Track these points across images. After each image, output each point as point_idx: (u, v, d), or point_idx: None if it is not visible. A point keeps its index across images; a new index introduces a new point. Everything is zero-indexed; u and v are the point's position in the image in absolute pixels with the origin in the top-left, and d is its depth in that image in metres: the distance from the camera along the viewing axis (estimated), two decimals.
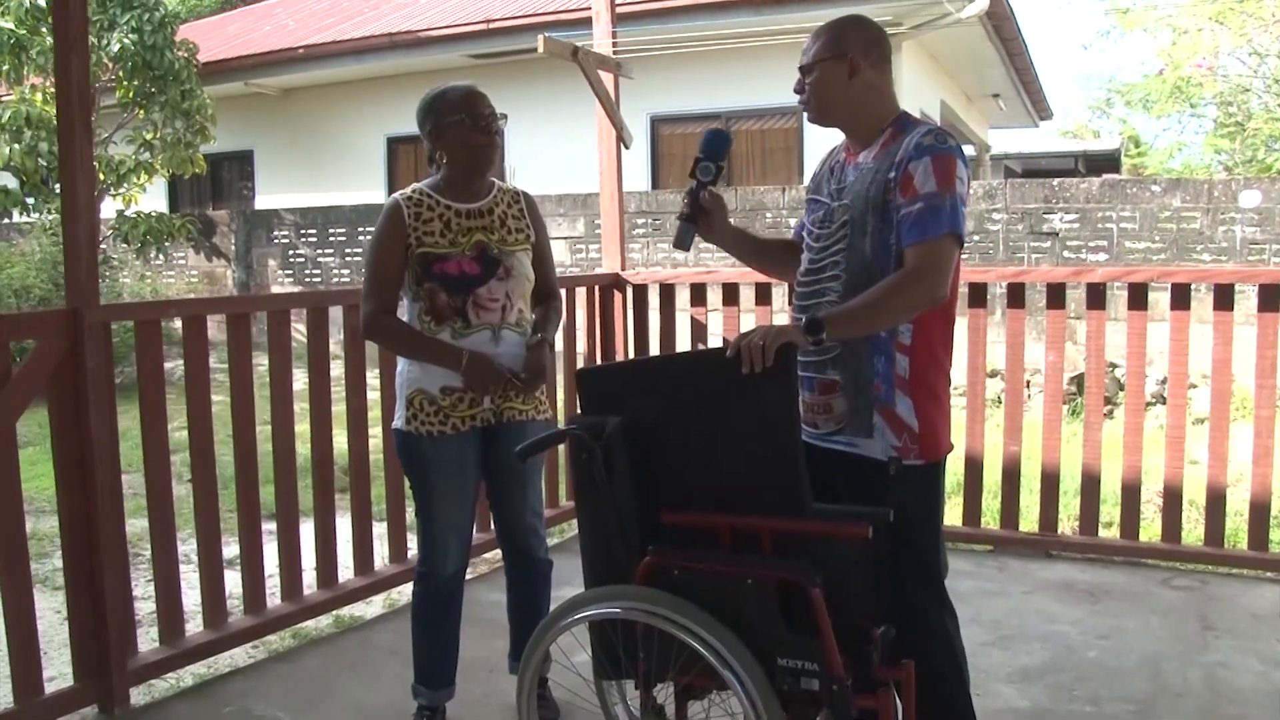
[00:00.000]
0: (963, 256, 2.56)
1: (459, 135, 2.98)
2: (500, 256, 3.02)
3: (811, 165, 11.86)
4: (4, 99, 11.77)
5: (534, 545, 3.21)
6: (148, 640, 3.61)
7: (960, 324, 2.84)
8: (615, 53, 5.51)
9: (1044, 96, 18.04)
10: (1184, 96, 17.53)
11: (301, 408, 3.90)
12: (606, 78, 5.40)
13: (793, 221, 6.02)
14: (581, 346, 5.34)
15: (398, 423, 3.06)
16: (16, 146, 10.69)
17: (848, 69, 2.51)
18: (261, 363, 3.80)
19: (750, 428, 2.27)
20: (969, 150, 16.42)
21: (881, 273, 2.41)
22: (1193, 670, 3.51)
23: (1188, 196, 8.74)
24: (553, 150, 11.71)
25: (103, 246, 12.14)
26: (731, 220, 2.76)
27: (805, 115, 2.63)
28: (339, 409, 4.04)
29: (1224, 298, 4.39)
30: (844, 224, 2.51)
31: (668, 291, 5.36)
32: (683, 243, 2.66)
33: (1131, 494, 4.56)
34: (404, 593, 4.26)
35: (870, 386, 2.48)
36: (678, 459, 2.35)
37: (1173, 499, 4.50)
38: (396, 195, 3.03)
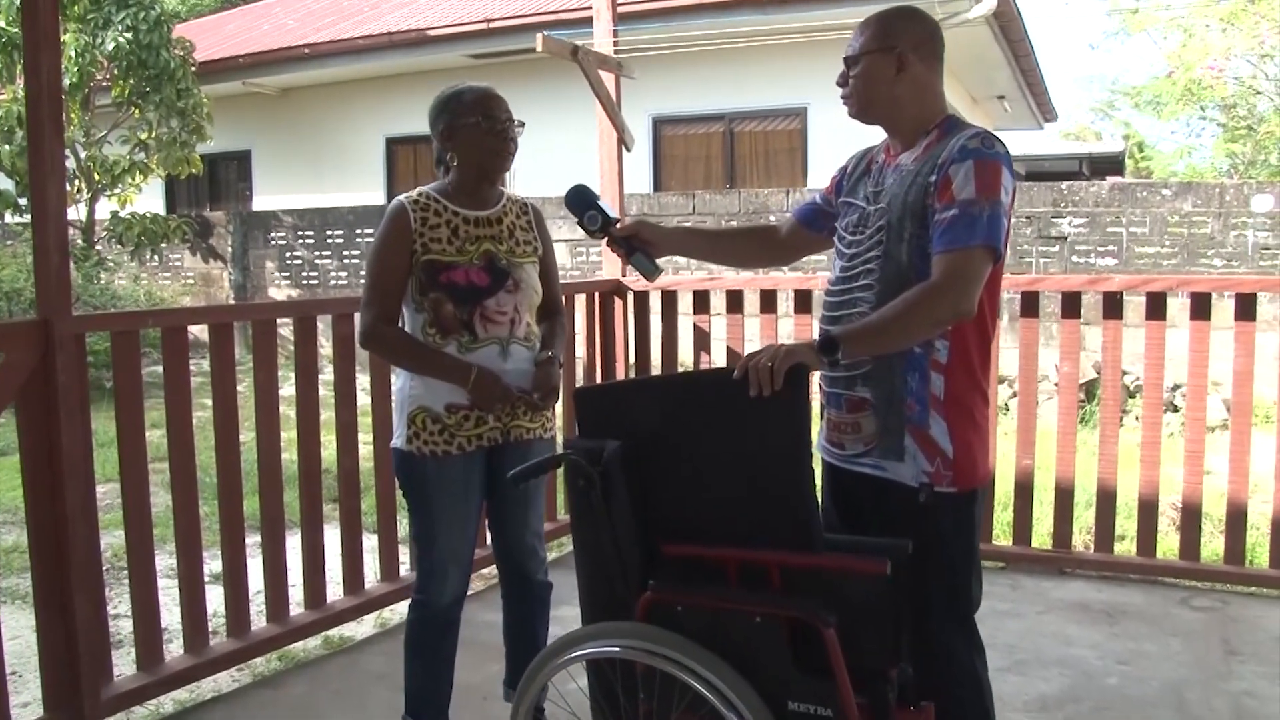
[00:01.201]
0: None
1: (473, 138, 2.84)
2: (509, 268, 2.87)
3: (817, 167, 11.89)
4: None
5: (533, 567, 3.07)
6: (127, 661, 3.46)
7: None
8: (616, 52, 5.36)
9: (1049, 98, 17.87)
10: (1194, 99, 17.37)
11: (288, 415, 3.75)
12: (608, 78, 5.26)
13: None
14: (580, 352, 5.20)
15: (397, 442, 2.90)
16: (8, 147, 10.57)
17: (895, 64, 2.35)
18: (247, 373, 3.66)
19: (757, 454, 2.13)
20: None
21: (918, 282, 2.24)
22: (1218, 699, 3.36)
23: (1199, 201, 8.59)
24: (553, 152, 11.54)
25: (97, 248, 12.02)
26: (664, 224, 2.71)
27: (846, 110, 2.46)
28: (327, 415, 3.89)
29: (1246, 307, 4.24)
30: (879, 229, 2.34)
31: (670, 298, 5.21)
32: (648, 274, 2.64)
33: (1148, 509, 4.41)
34: (396, 611, 4.11)
35: (903, 405, 2.31)
36: (681, 486, 2.21)
37: (1191, 516, 4.35)
38: (401, 198, 2.86)
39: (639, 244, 2.61)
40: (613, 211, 2.61)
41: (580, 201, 2.61)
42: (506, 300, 2.85)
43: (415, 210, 2.83)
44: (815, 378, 2.31)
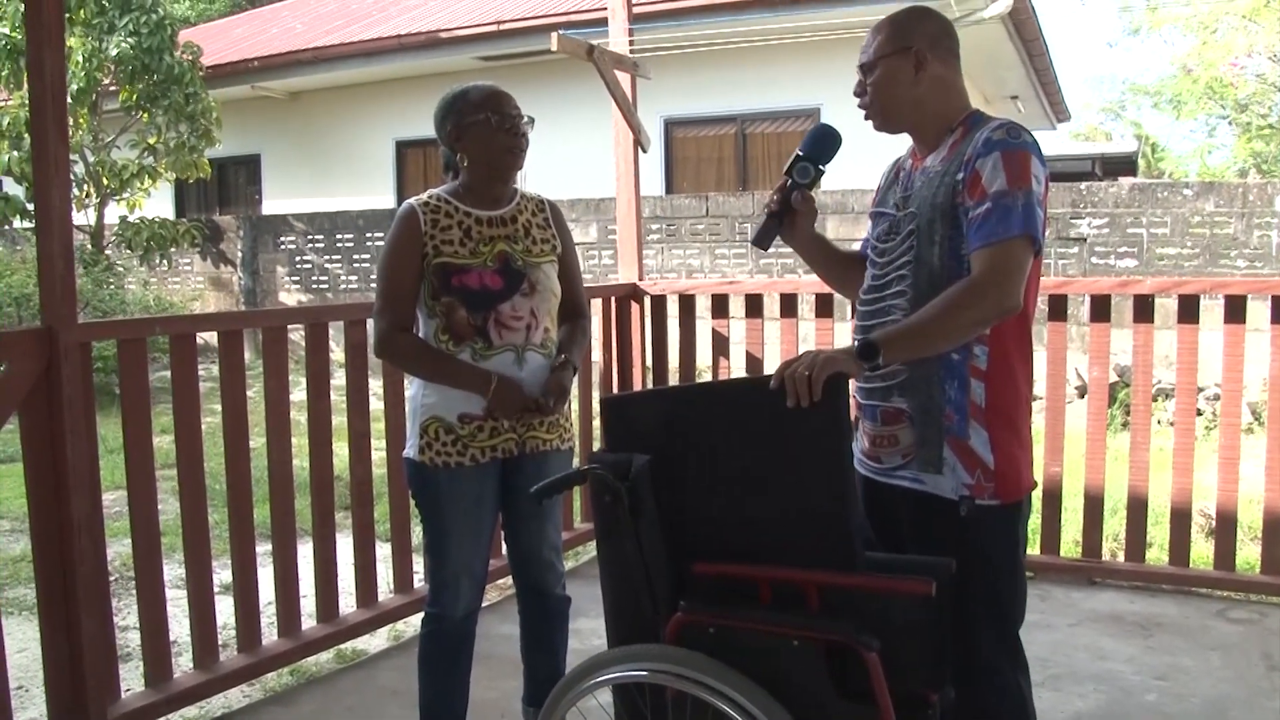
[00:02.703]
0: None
1: (483, 136, 2.73)
2: (525, 269, 2.77)
3: (830, 170, 11.73)
4: (4, 104, 11.59)
5: (550, 582, 2.97)
6: (135, 675, 3.37)
7: None
8: (632, 52, 5.26)
9: (1063, 98, 17.77)
10: (1216, 97, 17.24)
11: (298, 421, 3.65)
12: (623, 78, 5.16)
13: None
14: (597, 357, 5.09)
15: (409, 452, 2.80)
16: (16, 153, 10.50)
17: (913, 64, 2.25)
18: (256, 378, 3.56)
19: (795, 468, 2.02)
20: None
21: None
22: (1265, 719, 3.24)
23: (1221, 201, 8.45)
24: (565, 154, 11.47)
25: (106, 253, 11.96)
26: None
27: (869, 122, 2.35)
28: (339, 422, 3.79)
29: None
30: (910, 234, 2.24)
31: (687, 302, 5.10)
32: (763, 241, 2.45)
33: (1180, 517, 4.29)
34: (410, 624, 4.01)
35: (941, 416, 2.20)
36: (713, 501, 2.10)
37: (1225, 524, 4.23)
38: (411, 201, 2.77)
39: (790, 220, 2.43)
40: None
41: (818, 148, 2.40)
42: (522, 304, 2.75)
43: (426, 212, 2.73)
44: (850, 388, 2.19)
